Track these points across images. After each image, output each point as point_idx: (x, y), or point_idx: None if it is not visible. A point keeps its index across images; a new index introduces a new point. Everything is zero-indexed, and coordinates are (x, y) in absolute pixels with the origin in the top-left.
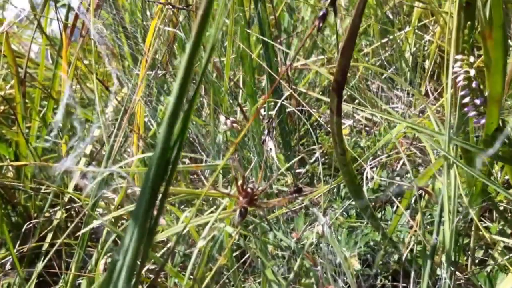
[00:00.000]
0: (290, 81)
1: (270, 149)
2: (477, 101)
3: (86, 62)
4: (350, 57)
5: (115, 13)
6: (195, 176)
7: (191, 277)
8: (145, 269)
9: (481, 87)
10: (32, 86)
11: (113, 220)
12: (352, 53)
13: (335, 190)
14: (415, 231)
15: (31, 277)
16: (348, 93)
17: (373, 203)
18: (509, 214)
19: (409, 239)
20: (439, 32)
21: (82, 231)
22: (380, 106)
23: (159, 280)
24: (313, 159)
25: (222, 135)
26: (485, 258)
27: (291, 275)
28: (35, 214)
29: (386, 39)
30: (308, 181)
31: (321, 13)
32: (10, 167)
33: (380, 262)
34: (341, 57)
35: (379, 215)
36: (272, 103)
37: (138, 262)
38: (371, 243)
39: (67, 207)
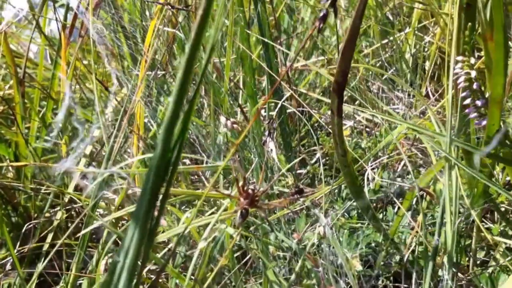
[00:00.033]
0: (290, 82)
1: (271, 150)
2: (478, 103)
3: (85, 62)
4: (351, 58)
5: (114, 13)
6: (196, 176)
7: (192, 277)
8: (146, 269)
9: (482, 88)
10: (31, 86)
11: (113, 220)
12: (353, 54)
13: (336, 191)
14: (417, 232)
15: (31, 278)
16: (349, 94)
17: (375, 204)
18: (511, 215)
19: (411, 240)
20: (439, 33)
21: (83, 232)
22: (381, 107)
23: (160, 280)
24: (314, 160)
25: (223, 136)
26: (486, 259)
27: (293, 276)
28: (35, 215)
29: (386, 40)
30: (309, 182)
31: (321, 14)
32: (10, 168)
33: (382, 263)
34: (341, 58)
35: (381, 216)
36: (273, 104)
37: (139, 263)
38: (373, 244)
39: (67, 207)
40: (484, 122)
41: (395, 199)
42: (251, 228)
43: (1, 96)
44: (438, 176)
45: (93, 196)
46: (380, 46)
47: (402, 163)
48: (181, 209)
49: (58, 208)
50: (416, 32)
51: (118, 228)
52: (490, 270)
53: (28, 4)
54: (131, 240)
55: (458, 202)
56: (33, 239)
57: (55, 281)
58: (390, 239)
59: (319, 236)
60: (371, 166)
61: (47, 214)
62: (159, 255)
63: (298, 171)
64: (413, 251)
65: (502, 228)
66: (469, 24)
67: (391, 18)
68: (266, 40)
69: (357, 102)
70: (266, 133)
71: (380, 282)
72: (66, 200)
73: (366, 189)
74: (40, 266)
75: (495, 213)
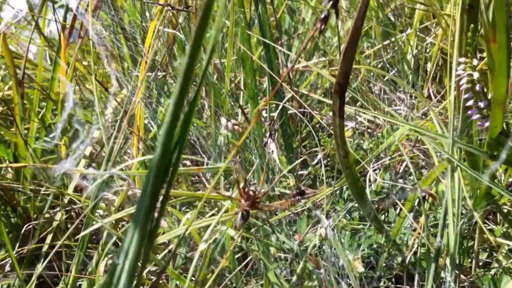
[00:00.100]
0: (291, 83)
1: (272, 151)
2: (481, 104)
3: (85, 63)
4: (352, 60)
5: (114, 14)
6: (197, 178)
7: (193, 279)
8: (146, 270)
9: (485, 90)
10: (31, 87)
11: (113, 222)
12: (354, 56)
13: (337, 192)
14: (419, 233)
15: (31, 279)
16: (350, 95)
17: (376, 206)
18: None
19: (413, 242)
20: (441, 35)
21: (83, 233)
22: (382, 109)
23: (160, 282)
24: (316, 161)
25: (224, 137)
26: (489, 261)
27: (294, 278)
28: (35, 216)
29: (387, 41)
30: (310, 183)
31: (322, 16)
32: (9, 169)
33: (384, 265)
34: (343, 59)
35: (382, 217)
36: (274, 105)
37: (139, 265)
38: (375, 246)
39: (67, 208)
40: (486, 124)
41: (397, 200)
42: (252, 230)
43: (1, 97)
44: (441, 178)
45: (92, 197)
46: (381, 47)
47: (404, 164)
48: (182, 210)
49: (58, 209)
50: (418, 33)
51: (118, 229)
52: (492, 272)
53: (27, 5)
54: (131, 242)
55: (460, 204)
56: (33, 240)
57: (55, 282)
58: (392, 240)
59: (321, 237)
60: (373, 167)
61: (47, 215)
62: (159, 257)
63: (300, 172)
64: (415, 253)
65: (504, 230)
66: (472, 25)
67: (392, 19)
68: (267, 41)
69: (358, 103)
70: (267, 134)
71: (382, 283)
72: (66, 201)
73: (368, 191)
74: (40, 267)
75: (498, 214)
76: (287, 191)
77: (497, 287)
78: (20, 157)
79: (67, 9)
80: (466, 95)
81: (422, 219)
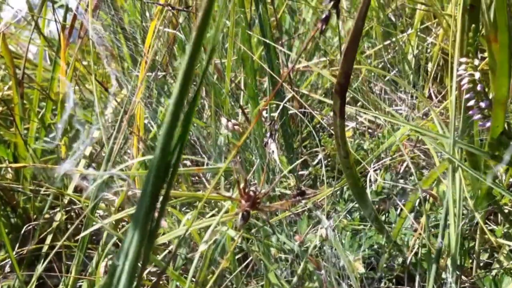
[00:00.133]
0: (292, 83)
1: (273, 151)
2: (482, 104)
3: (84, 63)
4: (353, 60)
5: (114, 14)
6: (197, 178)
7: (193, 280)
8: (146, 271)
9: (486, 90)
10: (30, 87)
11: (113, 222)
12: (355, 56)
13: (338, 192)
14: (420, 234)
15: (31, 280)
16: (351, 95)
17: (377, 206)
18: None
19: (414, 242)
20: (442, 35)
21: (82, 234)
22: (383, 109)
23: (160, 283)
24: (316, 161)
25: (224, 137)
26: (490, 261)
27: (295, 279)
28: (35, 216)
29: (388, 42)
30: (311, 183)
31: (323, 16)
32: (9, 169)
33: (385, 266)
34: (344, 59)
35: (383, 218)
36: (274, 105)
37: (139, 265)
38: (375, 246)
39: (67, 209)
40: (488, 124)
41: (397, 201)
42: (253, 230)
43: (0, 97)
44: (441, 178)
45: (92, 197)
46: (382, 47)
47: (405, 164)
48: (182, 211)
49: (58, 209)
50: (419, 33)
51: (118, 230)
52: (493, 272)
53: (27, 4)
54: (131, 242)
55: (461, 204)
56: (33, 240)
57: (55, 283)
58: (393, 241)
59: (321, 238)
60: (374, 167)
61: (47, 216)
62: (159, 257)
63: (300, 173)
64: (416, 254)
65: (505, 230)
66: (473, 25)
67: (393, 19)
68: (267, 41)
69: (359, 104)
70: (268, 134)
71: (382, 284)
72: (66, 201)
73: (368, 191)
74: (40, 268)
75: (499, 215)
76: (288, 192)
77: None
78: (20, 157)
79: (67, 9)
80: (468, 95)
81: (423, 220)
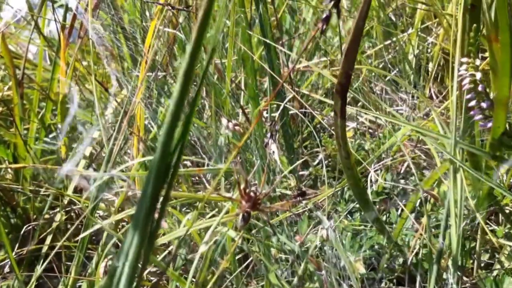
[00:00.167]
0: (292, 83)
1: (273, 152)
2: (483, 105)
3: (84, 63)
4: (354, 60)
5: (114, 13)
6: (197, 178)
7: (193, 280)
8: (146, 271)
9: (487, 90)
10: (30, 88)
11: (113, 222)
12: (356, 56)
13: (339, 193)
14: (421, 234)
15: (30, 280)
16: (351, 96)
17: (378, 206)
18: None
19: (415, 243)
20: (443, 34)
21: (82, 234)
22: (384, 109)
23: (160, 283)
24: (317, 161)
25: (224, 137)
26: (491, 262)
27: (295, 279)
28: (35, 216)
29: (389, 41)
30: (311, 183)
31: (324, 16)
32: (8, 169)
33: (385, 266)
34: (345, 60)
35: (384, 218)
36: (275, 106)
37: (139, 266)
38: (376, 247)
39: (67, 209)
40: (489, 124)
41: (398, 201)
42: (253, 231)
43: (0, 97)
44: (442, 178)
45: (92, 198)
46: (383, 47)
47: (406, 165)
48: (182, 211)
49: (58, 210)
50: (419, 33)
51: (118, 230)
52: (494, 273)
53: (26, 4)
54: (131, 244)
55: (463, 205)
56: (32, 241)
57: (54, 283)
58: (394, 241)
59: (322, 238)
60: (375, 168)
61: (47, 216)
62: (159, 258)
63: (301, 173)
64: (417, 254)
65: (506, 231)
66: (474, 25)
67: (394, 19)
68: (268, 41)
69: (360, 104)
70: (268, 135)
71: (383, 285)
72: (66, 202)
73: (369, 191)
74: (39, 269)
75: (500, 215)
76: (288, 192)
77: None
78: (20, 157)
79: (67, 8)
80: (469, 95)
81: (424, 220)
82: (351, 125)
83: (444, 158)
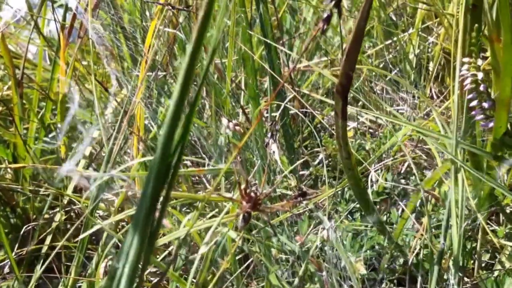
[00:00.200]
0: (293, 83)
1: (273, 151)
2: (485, 105)
3: (84, 63)
4: (355, 60)
5: (114, 13)
6: (197, 178)
7: (194, 281)
8: (146, 272)
9: (489, 90)
10: (30, 87)
11: (113, 223)
12: (357, 56)
13: (339, 193)
14: (422, 235)
15: (30, 280)
16: (352, 95)
17: (378, 206)
18: None
19: (415, 243)
20: (443, 34)
21: (82, 235)
22: (384, 109)
23: (160, 284)
24: (317, 161)
25: (224, 137)
26: (492, 262)
27: (296, 280)
28: (34, 216)
29: (389, 41)
30: (312, 183)
31: (325, 15)
32: (8, 169)
33: (386, 267)
34: (346, 60)
35: (385, 218)
36: (275, 105)
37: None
38: (377, 247)
39: (66, 209)
40: (490, 124)
41: (399, 201)
42: (254, 231)
43: (0, 97)
44: (443, 179)
45: (92, 198)
46: (383, 47)
47: (406, 165)
48: (182, 211)
49: (57, 209)
50: (420, 32)
51: (118, 230)
52: (495, 273)
53: (26, 4)
54: (131, 244)
55: (464, 205)
56: (32, 241)
57: (54, 284)
58: (395, 242)
59: (322, 239)
60: (375, 168)
61: (46, 216)
62: (159, 258)
63: (301, 173)
64: (417, 255)
65: (507, 231)
66: (476, 25)
67: (394, 18)
68: (268, 40)
69: (360, 104)
70: (269, 134)
71: (384, 285)
72: (66, 201)
73: (370, 191)
74: (39, 269)
75: (500, 215)
76: (289, 192)
77: None
78: (19, 157)
79: (67, 8)
80: (470, 95)
81: (424, 220)
82: (351, 124)
83: (445, 158)
